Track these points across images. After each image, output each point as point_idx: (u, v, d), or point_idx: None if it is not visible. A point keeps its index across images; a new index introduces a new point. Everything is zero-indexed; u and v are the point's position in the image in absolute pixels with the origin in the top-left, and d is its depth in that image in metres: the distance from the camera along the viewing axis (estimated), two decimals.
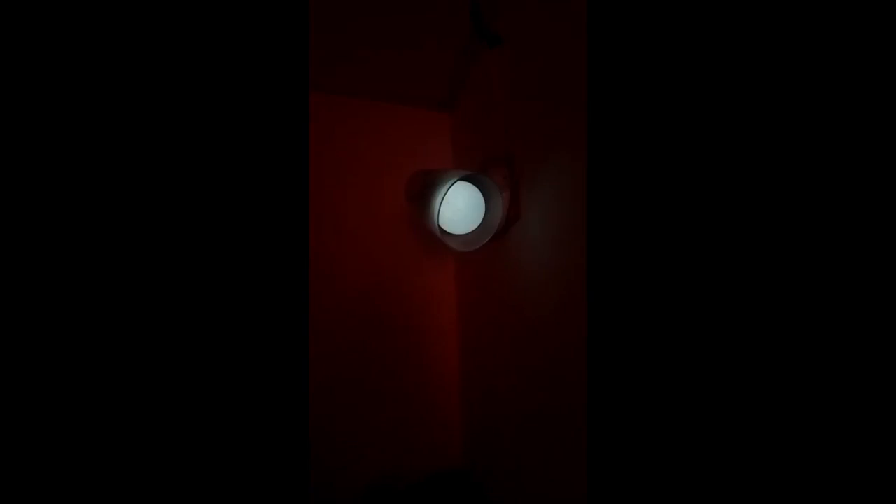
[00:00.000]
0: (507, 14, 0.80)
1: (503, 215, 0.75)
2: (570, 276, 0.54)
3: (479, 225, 0.78)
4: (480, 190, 0.77)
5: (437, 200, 0.72)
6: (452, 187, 0.74)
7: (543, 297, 0.63)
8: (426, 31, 0.91)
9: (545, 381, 0.62)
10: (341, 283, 1.00)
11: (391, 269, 1.05)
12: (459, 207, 0.77)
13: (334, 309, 0.98)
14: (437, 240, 0.74)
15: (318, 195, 1.00)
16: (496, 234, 0.76)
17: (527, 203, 0.70)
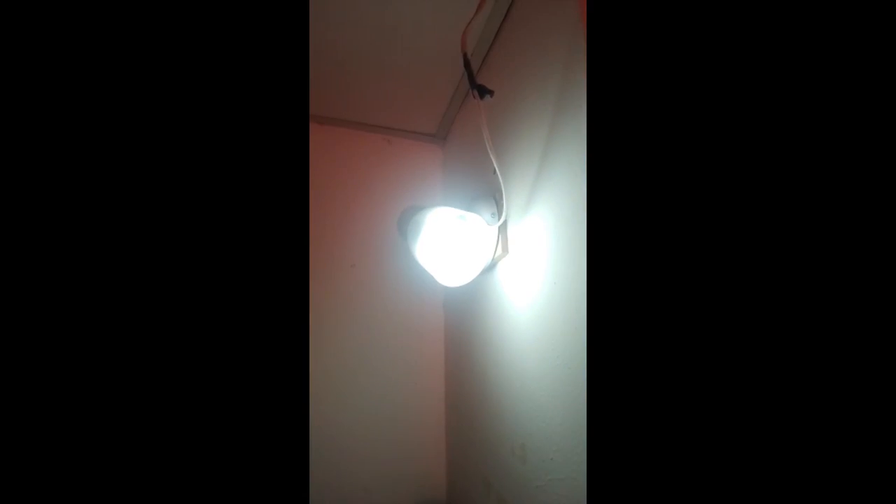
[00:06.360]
0: (497, 58, 0.84)
1: (491, 251, 0.76)
2: (568, 313, 0.55)
3: (467, 260, 0.79)
4: (468, 226, 0.79)
5: (426, 236, 0.73)
6: (441, 223, 0.76)
7: (532, 332, 0.63)
8: (422, 72, 0.95)
9: (534, 420, 0.61)
10: (333, 310, 1.01)
11: (382, 298, 1.06)
12: (448, 243, 0.78)
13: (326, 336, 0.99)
14: (427, 273, 0.74)
15: (313, 222, 1.03)
16: (484, 270, 0.77)
17: (514, 240, 0.71)
